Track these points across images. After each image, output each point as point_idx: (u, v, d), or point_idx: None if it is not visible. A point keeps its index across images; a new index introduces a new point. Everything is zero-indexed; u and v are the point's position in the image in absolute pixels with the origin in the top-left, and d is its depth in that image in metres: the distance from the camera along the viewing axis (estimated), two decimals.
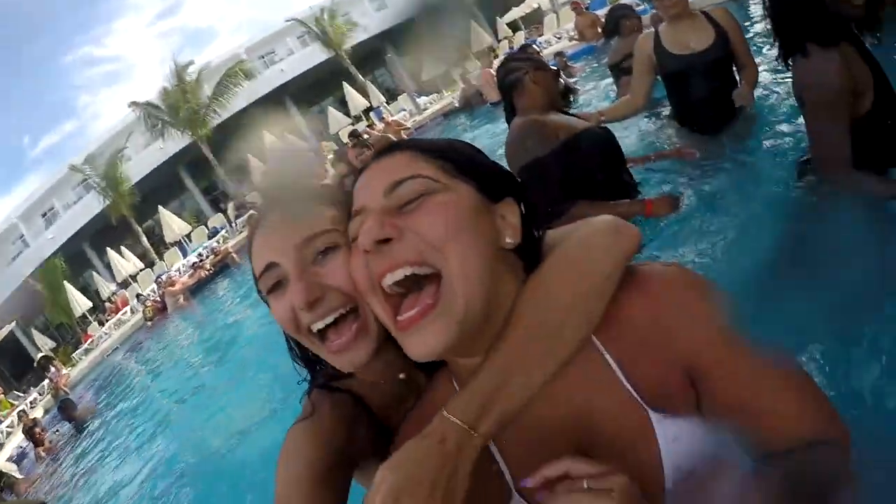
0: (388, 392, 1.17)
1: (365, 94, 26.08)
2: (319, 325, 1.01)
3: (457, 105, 16.38)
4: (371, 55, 33.19)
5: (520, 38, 25.63)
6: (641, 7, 10.89)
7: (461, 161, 0.96)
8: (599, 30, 12.96)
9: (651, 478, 0.86)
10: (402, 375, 1.15)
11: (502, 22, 28.37)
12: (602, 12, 17.34)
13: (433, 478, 0.80)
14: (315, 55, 32.33)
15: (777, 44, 2.29)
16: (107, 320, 21.93)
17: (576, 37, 14.82)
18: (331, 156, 16.69)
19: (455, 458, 0.82)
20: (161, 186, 31.56)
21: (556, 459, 0.78)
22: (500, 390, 0.87)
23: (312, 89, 33.15)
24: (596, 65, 10.73)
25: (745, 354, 0.86)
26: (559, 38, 18.76)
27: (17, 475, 9.77)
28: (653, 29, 3.73)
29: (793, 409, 0.86)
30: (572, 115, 3.25)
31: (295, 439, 1.10)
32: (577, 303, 0.89)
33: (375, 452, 1.12)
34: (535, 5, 29.81)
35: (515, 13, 29.49)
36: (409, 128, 16.47)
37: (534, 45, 20.54)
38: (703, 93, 3.54)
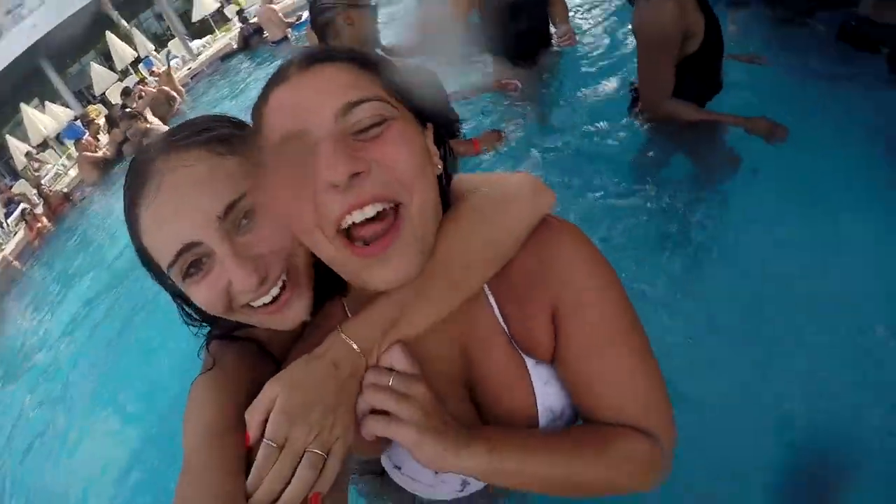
0: (291, 336, 1.13)
1: (131, 43, 23.90)
2: (265, 299, 0.96)
3: (235, 46, 15.77)
4: None
5: None
6: None
7: (398, 81, 0.91)
8: None
9: (527, 416, 1.00)
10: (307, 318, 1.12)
11: None
12: None
13: (326, 402, 0.84)
14: (70, 2, 27.86)
15: None
16: None
17: None
18: (102, 121, 15.35)
19: (347, 382, 0.87)
20: None
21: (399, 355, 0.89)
22: (401, 319, 0.90)
23: (71, 45, 29.30)
24: None
25: (602, 317, 0.94)
26: None
27: None
28: None
29: (626, 387, 0.95)
30: (388, 48, 3.13)
31: (199, 392, 1.03)
32: (489, 251, 0.94)
33: None
34: None
35: None
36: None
37: None
38: (522, 29, 3.62)
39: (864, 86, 3.06)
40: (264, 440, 0.79)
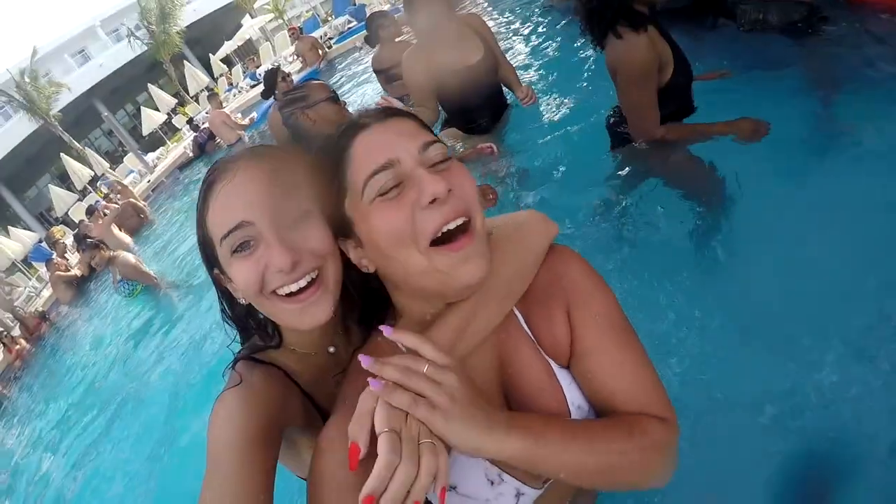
0: (315, 365, 1.25)
1: (85, 162, 23.66)
2: (292, 287, 1.07)
3: (190, 155, 15.54)
4: (83, 117, 30.56)
5: (237, 73, 25.33)
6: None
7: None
8: (320, 52, 13.32)
9: (560, 412, 1.10)
10: (331, 349, 1.26)
11: (216, 59, 27.68)
12: (318, 33, 17.75)
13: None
14: (21, 127, 28.65)
15: (589, 33, 2.63)
16: None
17: (293, 61, 14.94)
18: (69, 240, 15.16)
19: None
20: None
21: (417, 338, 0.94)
22: (467, 329, 1.05)
23: (25, 168, 29.60)
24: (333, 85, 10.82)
25: (608, 314, 1.12)
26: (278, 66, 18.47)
27: None
28: (415, 44, 3.66)
29: (637, 375, 1.09)
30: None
31: (226, 404, 1.11)
32: (521, 269, 1.12)
33: (302, 423, 1.22)
34: (247, 37, 29.63)
35: (228, 47, 29.01)
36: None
37: (252, 78, 20.25)
38: (481, 100, 3.74)
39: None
40: (384, 432, 0.82)
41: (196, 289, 6.45)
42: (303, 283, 1.07)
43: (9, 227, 23.70)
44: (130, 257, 6.94)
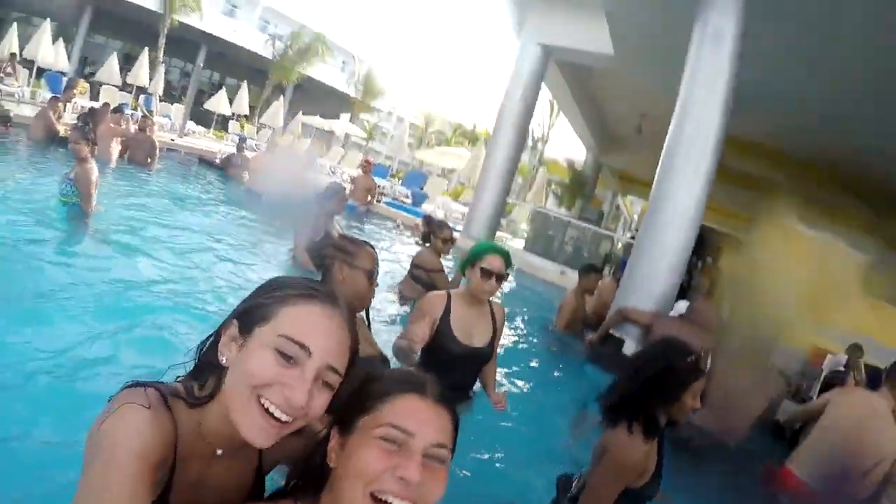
0: (196, 449, 1.24)
1: (154, 72, 23.30)
2: (276, 412, 1.13)
3: (217, 161, 14.81)
4: (185, 44, 28.96)
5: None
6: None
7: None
8: (369, 197, 13.83)
9: None
10: (219, 451, 1.27)
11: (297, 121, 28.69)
12: (382, 182, 18.41)
13: None
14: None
15: (605, 412, 2.68)
16: None
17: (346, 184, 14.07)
18: (81, 100, 15.32)
19: None
20: None
21: None
22: None
23: (119, 23, 28.34)
24: (355, 228, 10.96)
25: None
26: (333, 173, 19.80)
27: None
28: (445, 293, 3.68)
29: None
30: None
31: (135, 419, 1.08)
32: None
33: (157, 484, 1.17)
34: (332, 129, 31.34)
35: (316, 121, 30.20)
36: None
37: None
38: (460, 379, 3.69)
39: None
40: None
41: (110, 260, 5.70)
42: (284, 417, 1.13)
43: (58, 39, 22.17)
44: (95, 174, 6.32)
